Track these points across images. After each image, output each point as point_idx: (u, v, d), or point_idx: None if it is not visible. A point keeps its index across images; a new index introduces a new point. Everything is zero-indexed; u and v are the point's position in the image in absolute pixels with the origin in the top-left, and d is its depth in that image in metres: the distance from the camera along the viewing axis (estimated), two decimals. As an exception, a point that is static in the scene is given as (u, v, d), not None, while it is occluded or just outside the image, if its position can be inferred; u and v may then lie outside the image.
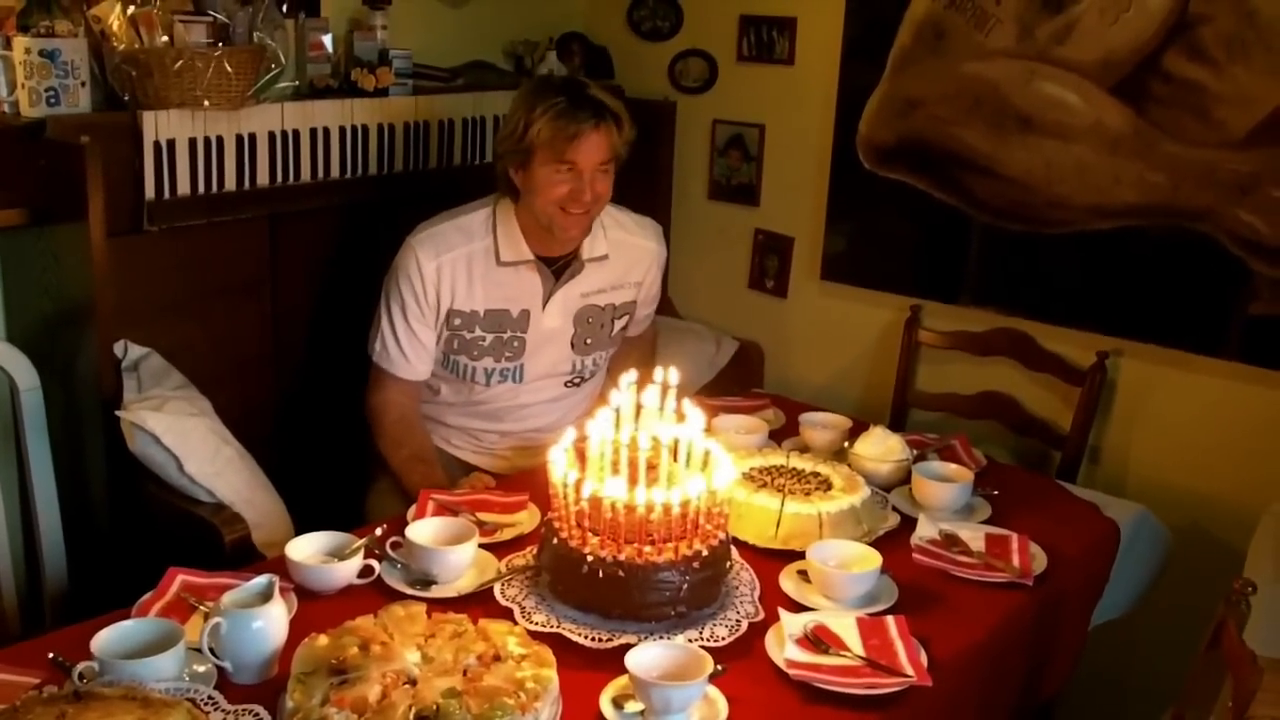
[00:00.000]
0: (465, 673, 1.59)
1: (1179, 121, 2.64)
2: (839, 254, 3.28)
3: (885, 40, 3.03)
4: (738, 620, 1.88)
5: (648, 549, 1.82)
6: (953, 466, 2.41)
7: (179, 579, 1.89)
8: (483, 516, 2.17)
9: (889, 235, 3.18)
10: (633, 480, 1.86)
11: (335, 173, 2.75)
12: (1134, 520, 2.44)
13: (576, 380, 2.67)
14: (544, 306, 2.54)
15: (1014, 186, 2.88)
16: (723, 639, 1.83)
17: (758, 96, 3.39)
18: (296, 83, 2.74)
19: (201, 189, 2.51)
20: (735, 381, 3.26)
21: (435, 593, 1.91)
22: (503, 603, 1.90)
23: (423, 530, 2.00)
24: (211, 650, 1.64)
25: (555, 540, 1.89)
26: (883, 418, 3.02)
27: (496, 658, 1.63)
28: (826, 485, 2.25)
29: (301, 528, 2.05)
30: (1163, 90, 2.65)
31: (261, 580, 1.72)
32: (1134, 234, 2.74)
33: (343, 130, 2.75)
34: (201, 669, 1.66)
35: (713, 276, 3.59)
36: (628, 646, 1.69)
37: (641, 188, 3.19)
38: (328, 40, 2.81)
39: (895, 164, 3.08)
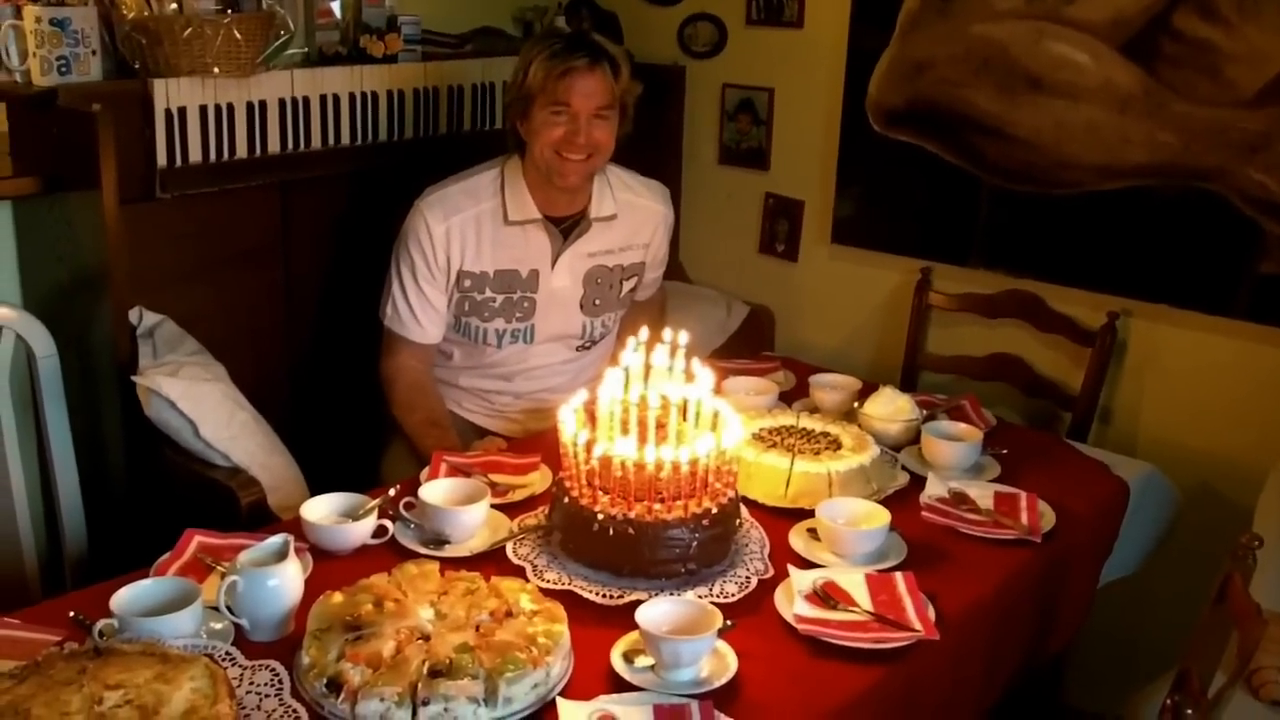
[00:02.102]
0: (478, 628, 1.62)
1: (1189, 80, 2.63)
2: (849, 217, 3.28)
3: (893, 2, 3.02)
4: (747, 577, 1.90)
5: (657, 507, 1.84)
6: (962, 426, 2.42)
7: (196, 540, 1.92)
8: (495, 478, 2.19)
9: (899, 198, 3.18)
10: (642, 439, 1.88)
11: (345, 139, 2.76)
12: (1143, 479, 2.45)
13: (587, 344, 2.69)
14: (553, 266, 2.55)
15: (1023, 147, 2.87)
16: (732, 595, 1.85)
17: (767, 60, 3.38)
18: (306, 49, 2.75)
19: (213, 156, 2.52)
20: (746, 345, 3.27)
21: (448, 552, 1.93)
22: (515, 561, 1.92)
23: (435, 491, 2.02)
24: (228, 608, 1.67)
25: (566, 499, 1.91)
26: (893, 380, 3.00)
27: (508, 614, 1.65)
28: (836, 445, 2.26)
29: (317, 491, 2.06)
30: (1173, 49, 2.63)
31: (277, 539, 1.74)
32: (1144, 194, 2.73)
33: (352, 97, 2.75)
34: (219, 626, 1.69)
35: (723, 241, 3.59)
36: (638, 603, 1.71)
37: (651, 153, 3.19)
38: (336, 7, 2.81)
39: (905, 126, 3.07)
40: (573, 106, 2.40)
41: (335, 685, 1.51)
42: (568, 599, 1.77)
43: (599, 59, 2.41)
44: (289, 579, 1.70)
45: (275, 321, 2.82)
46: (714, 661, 1.66)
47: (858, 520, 2.01)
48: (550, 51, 2.40)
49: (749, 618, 1.78)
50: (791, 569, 1.88)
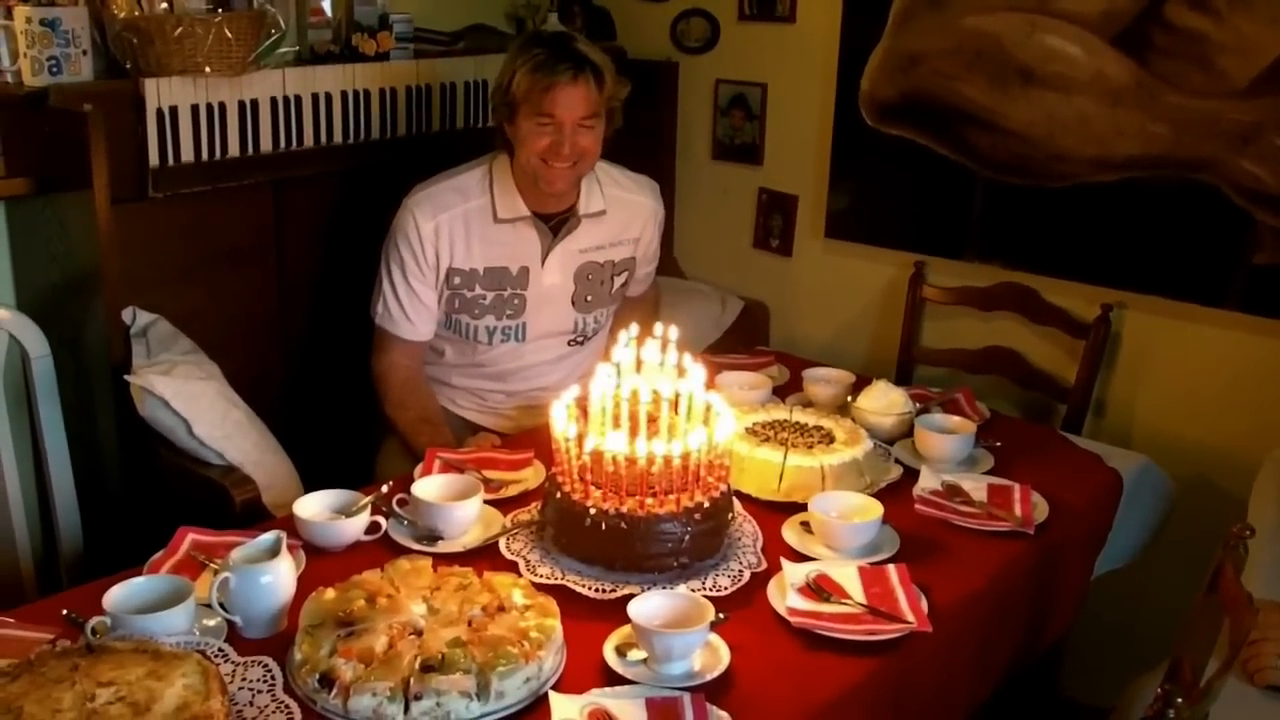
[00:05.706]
0: (470, 623, 1.62)
1: (1181, 72, 2.63)
2: (843, 211, 3.28)
3: (885, -4, 3.02)
4: (740, 570, 1.90)
5: (649, 501, 1.84)
6: (955, 419, 2.42)
7: (189, 538, 1.93)
8: (488, 474, 2.19)
9: (892, 192, 3.18)
10: (633, 433, 1.88)
11: (338, 138, 2.76)
12: (1137, 470, 2.45)
13: (579, 339, 2.69)
14: (543, 263, 2.55)
15: (1016, 140, 2.87)
16: (725, 589, 1.85)
17: (760, 55, 3.38)
18: (297, 48, 2.75)
19: (205, 156, 2.52)
20: (741, 341, 3.27)
21: (441, 548, 1.94)
22: (508, 557, 1.93)
23: (429, 487, 2.02)
24: (221, 605, 1.67)
25: (558, 494, 1.91)
26: (888, 374, 3.00)
27: (501, 608, 1.65)
28: (829, 438, 2.27)
29: (311, 489, 2.07)
30: (1164, 40, 2.63)
31: (269, 536, 1.74)
32: (1137, 186, 2.73)
33: (344, 95, 2.75)
34: (212, 623, 1.69)
35: (717, 236, 3.59)
36: (631, 597, 1.71)
37: (645, 149, 3.19)
38: (328, 5, 2.81)
39: (898, 120, 3.07)
40: (557, 118, 2.39)
41: (328, 681, 1.51)
42: (560, 593, 1.78)
43: (583, 69, 2.39)
44: (281, 575, 1.70)
45: (269, 320, 2.82)
46: (706, 655, 1.66)
47: (851, 513, 2.01)
48: (534, 63, 2.39)
49: (742, 611, 1.78)
50: (784, 562, 1.89)
